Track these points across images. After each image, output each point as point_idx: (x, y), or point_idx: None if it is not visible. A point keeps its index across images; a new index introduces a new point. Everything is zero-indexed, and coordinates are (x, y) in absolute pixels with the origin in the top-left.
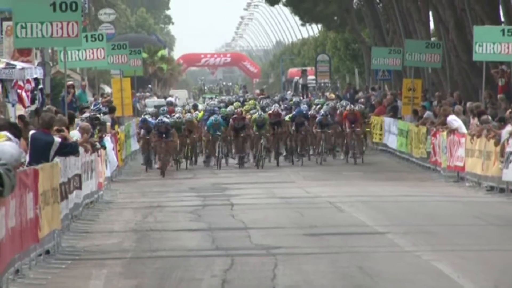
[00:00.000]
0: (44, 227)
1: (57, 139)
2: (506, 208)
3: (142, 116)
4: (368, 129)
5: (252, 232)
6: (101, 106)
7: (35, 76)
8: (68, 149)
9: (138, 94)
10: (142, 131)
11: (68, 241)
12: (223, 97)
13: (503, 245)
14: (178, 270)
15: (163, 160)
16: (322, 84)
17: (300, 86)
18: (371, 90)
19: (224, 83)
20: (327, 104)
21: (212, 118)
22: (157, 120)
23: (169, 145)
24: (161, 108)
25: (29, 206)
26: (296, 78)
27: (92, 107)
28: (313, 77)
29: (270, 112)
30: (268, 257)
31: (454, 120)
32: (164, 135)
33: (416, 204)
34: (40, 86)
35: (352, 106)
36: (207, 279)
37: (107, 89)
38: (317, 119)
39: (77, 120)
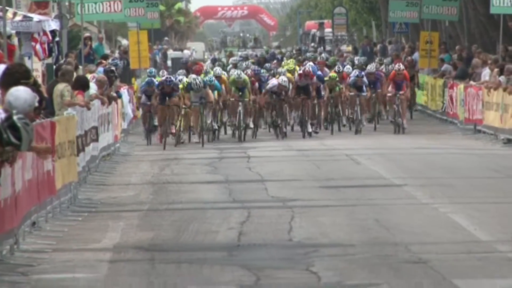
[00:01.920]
0: (59, 179)
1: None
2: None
3: (148, 78)
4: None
5: (269, 184)
6: (118, 61)
7: (52, 28)
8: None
9: (156, 47)
10: (144, 96)
11: (85, 194)
12: (250, 52)
13: None
14: (195, 222)
15: (163, 128)
16: (339, 37)
17: (317, 38)
18: (388, 43)
19: (248, 35)
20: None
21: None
22: (164, 78)
23: (172, 108)
24: (178, 72)
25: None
26: (313, 30)
27: (110, 61)
28: (330, 29)
29: (300, 72)
30: (284, 210)
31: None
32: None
33: (434, 157)
34: (57, 38)
35: (401, 65)
36: (224, 231)
37: (124, 42)
38: (350, 79)
39: (93, 74)
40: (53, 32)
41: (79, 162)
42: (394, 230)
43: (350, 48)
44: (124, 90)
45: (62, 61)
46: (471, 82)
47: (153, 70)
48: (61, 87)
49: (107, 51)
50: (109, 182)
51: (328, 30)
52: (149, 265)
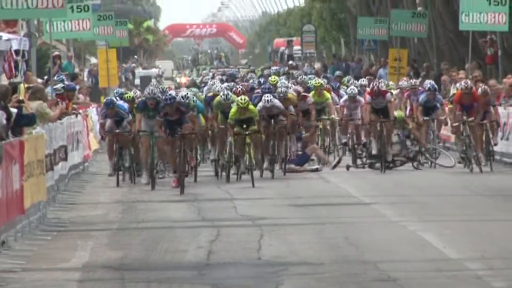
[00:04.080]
0: (28, 198)
1: (13, 110)
2: (494, 178)
3: (106, 98)
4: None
5: (238, 202)
6: (63, 77)
7: (15, 48)
8: (25, 120)
9: (125, 65)
10: (109, 121)
11: (54, 213)
12: (225, 69)
13: (490, 215)
14: (164, 241)
15: (179, 168)
16: (308, 54)
17: (286, 56)
18: (353, 61)
19: (215, 51)
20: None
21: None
22: (168, 95)
23: (188, 141)
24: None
25: (15, 178)
26: (282, 48)
27: (55, 78)
28: (299, 47)
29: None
30: (254, 228)
31: None
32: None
33: (403, 175)
34: (26, 58)
35: (469, 82)
36: (193, 250)
37: (93, 60)
38: (421, 98)
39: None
40: (16, 51)
41: (47, 180)
42: (363, 248)
43: (318, 65)
44: (93, 109)
45: (17, 80)
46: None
47: (120, 90)
48: (35, 105)
49: (76, 69)
50: (78, 201)
51: (297, 47)
52: (118, 284)
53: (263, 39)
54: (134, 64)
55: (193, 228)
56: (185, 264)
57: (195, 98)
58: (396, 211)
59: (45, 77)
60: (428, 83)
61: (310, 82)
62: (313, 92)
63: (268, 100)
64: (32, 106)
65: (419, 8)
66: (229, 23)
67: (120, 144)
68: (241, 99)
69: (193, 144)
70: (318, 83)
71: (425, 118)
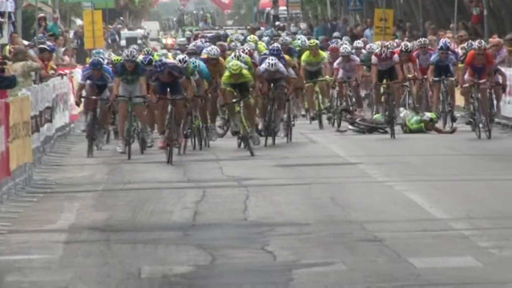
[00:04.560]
0: (14, 160)
1: None
2: (478, 138)
3: (93, 58)
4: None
5: (224, 163)
6: (45, 39)
7: (1, 10)
8: (6, 83)
9: (110, 26)
10: (88, 83)
11: (40, 174)
12: (213, 30)
13: (476, 175)
14: (150, 202)
15: (168, 136)
16: (294, 15)
17: (271, 17)
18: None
19: (201, 12)
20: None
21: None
22: (158, 62)
23: (178, 107)
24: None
25: (0, 140)
26: (268, 9)
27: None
28: (285, 8)
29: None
30: (239, 189)
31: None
32: (168, 89)
33: (389, 136)
34: (13, 19)
35: (483, 42)
36: (179, 211)
37: (79, 22)
38: (432, 58)
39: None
40: (3, 13)
41: (33, 142)
42: (349, 208)
43: (304, 26)
44: (78, 70)
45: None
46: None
47: (101, 50)
48: (18, 66)
49: (60, 30)
50: (64, 162)
51: (282, 8)
52: (104, 245)
53: (248, 0)
54: (120, 26)
55: (179, 189)
56: (171, 225)
57: (197, 62)
58: (382, 171)
59: (29, 42)
60: (441, 41)
61: (296, 43)
62: (307, 52)
63: (273, 64)
64: (16, 68)
65: None
66: None
67: (94, 112)
68: (233, 65)
69: (182, 113)
70: (314, 42)
71: (435, 79)
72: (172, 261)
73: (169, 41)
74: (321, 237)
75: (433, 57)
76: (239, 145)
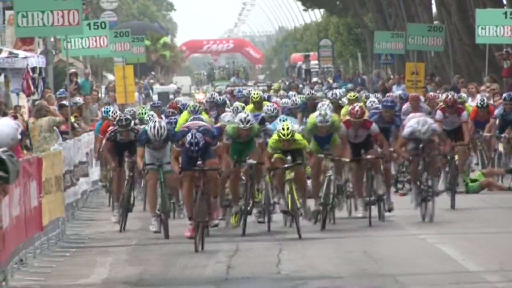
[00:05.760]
0: (46, 214)
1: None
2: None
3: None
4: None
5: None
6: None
7: (33, 65)
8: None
9: (142, 82)
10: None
11: (72, 229)
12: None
13: (509, 227)
14: (183, 257)
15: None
16: (325, 69)
17: (303, 71)
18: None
19: (233, 65)
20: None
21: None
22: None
23: (212, 179)
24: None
25: (33, 195)
26: (299, 63)
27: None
28: (316, 62)
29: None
30: (272, 242)
31: None
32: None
33: None
34: (43, 75)
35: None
36: (212, 265)
37: (110, 77)
38: (497, 111)
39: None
40: (33, 69)
41: (66, 197)
42: (382, 261)
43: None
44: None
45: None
46: None
47: (109, 107)
48: (43, 122)
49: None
50: (97, 217)
51: (314, 62)
52: None
53: (280, 54)
54: (152, 80)
55: (212, 243)
56: (204, 279)
57: (265, 121)
58: (414, 224)
59: (39, 91)
60: (506, 93)
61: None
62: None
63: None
64: (42, 123)
65: (435, 22)
66: (246, 38)
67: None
68: (283, 129)
69: (216, 186)
70: (353, 95)
71: (499, 135)
72: None
73: (200, 96)
74: None
75: (497, 110)
76: (285, 223)
